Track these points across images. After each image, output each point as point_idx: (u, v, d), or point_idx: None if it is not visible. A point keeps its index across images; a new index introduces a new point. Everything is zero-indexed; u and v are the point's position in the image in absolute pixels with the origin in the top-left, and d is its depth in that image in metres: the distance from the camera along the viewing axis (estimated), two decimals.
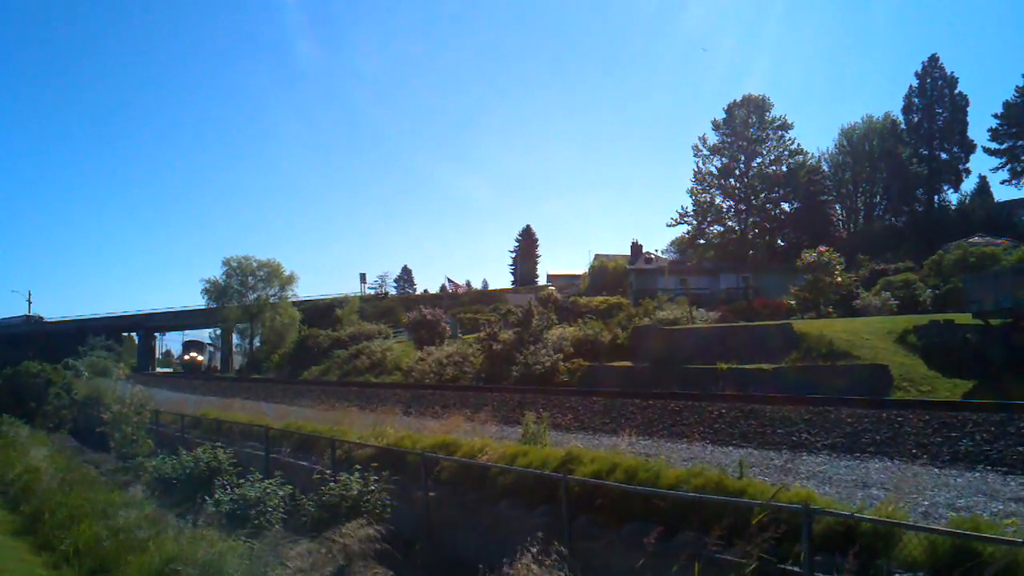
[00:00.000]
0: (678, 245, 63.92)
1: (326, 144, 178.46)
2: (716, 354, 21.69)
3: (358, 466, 12.11)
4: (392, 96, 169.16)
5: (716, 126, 59.25)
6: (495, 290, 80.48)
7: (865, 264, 42.98)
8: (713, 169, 59.31)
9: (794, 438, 11.65)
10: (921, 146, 59.28)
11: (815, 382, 17.77)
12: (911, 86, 59.91)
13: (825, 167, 63.69)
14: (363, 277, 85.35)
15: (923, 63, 59.91)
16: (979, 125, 72.45)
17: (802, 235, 54.43)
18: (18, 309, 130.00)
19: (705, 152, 59.37)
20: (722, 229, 58.30)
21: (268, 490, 12.31)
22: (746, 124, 57.90)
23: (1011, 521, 6.41)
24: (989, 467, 9.11)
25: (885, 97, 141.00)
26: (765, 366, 20.02)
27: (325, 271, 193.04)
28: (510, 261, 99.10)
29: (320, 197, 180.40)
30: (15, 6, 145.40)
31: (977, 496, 7.72)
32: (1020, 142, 55.56)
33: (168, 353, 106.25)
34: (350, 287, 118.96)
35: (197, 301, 67.37)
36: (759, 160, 58.37)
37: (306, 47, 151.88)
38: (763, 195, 57.91)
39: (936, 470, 9.12)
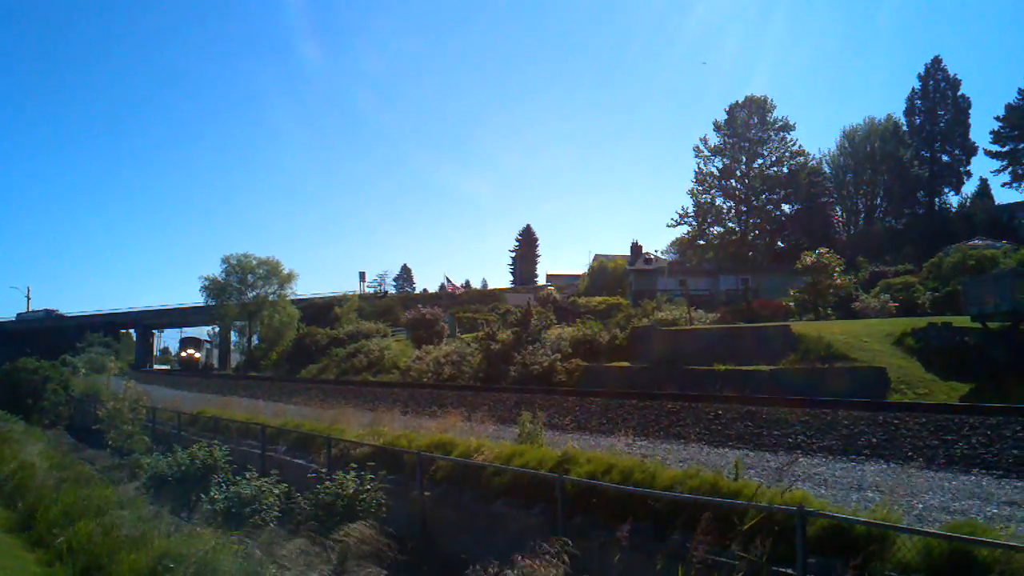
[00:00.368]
0: (678, 246, 63.90)
1: (327, 143, 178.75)
2: (715, 355, 21.64)
3: (354, 465, 12.11)
4: (393, 96, 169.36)
5: (717, 127, 59.33)
6: (494, 289, 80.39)
7: (865, 266, 42.96)
8: (714, 170, 59.42)
9: (791, 440, 11.64)
10: (923, 148, 59.17)
11: (813, 384, 17.72)
12: (913, 88, 59.97)
13: (826, 168, 63.59)
14: (362, 276, 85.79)
15: (926, 65, 59.98)
16: (981, 127, 72.67)
17: (802, 237, 54.42)
18: (18, 306, 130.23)
19: (706, 153, 59.48)
20: (722, 230, 58.41)
21: (264, 488, 12.32)
22: (747, 125, 57.97)
23: (1003, 525, 6.39)
24: (984, 470, 9.11)
25: (887, 99, 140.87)
26: (763, 367, 19.99)
27: (325, 270, 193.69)
28: (510, 261, 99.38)
29: (320, 196, 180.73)
30: (17, 6, 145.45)
31: (972, 499, 7.72)
32: (1022, 145, 55.47)
33: (166, 350, 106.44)
34: (349, 286, 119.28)
35: (196, 299, 67.39)
36: (760, 161, 58.44)
37: (308, 47, 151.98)
38: (764, 196, 57.99)
39: (931, 473, 9.11)
